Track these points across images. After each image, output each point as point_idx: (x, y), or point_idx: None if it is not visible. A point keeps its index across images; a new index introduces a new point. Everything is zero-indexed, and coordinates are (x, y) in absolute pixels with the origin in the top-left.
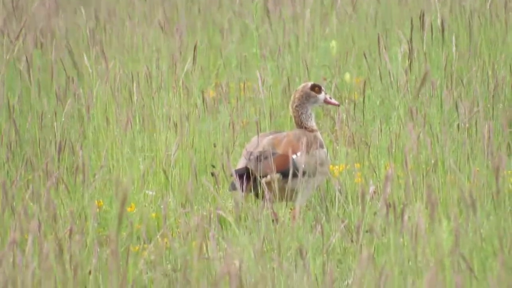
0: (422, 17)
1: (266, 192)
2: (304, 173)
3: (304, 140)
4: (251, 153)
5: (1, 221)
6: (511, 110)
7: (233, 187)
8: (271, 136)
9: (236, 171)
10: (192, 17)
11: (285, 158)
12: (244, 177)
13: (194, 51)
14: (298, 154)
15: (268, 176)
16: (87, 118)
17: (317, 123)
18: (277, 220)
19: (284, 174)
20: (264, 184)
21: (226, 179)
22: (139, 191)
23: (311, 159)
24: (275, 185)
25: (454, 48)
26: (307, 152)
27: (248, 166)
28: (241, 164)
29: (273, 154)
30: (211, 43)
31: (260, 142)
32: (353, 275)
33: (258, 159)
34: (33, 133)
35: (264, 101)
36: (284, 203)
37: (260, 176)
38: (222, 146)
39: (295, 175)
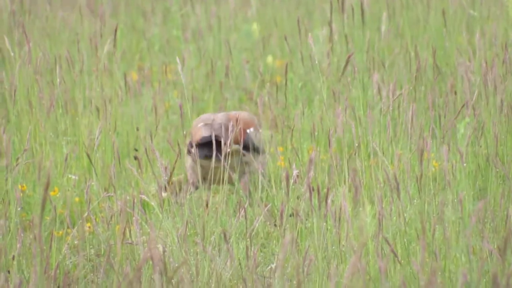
0: None
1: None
2: (257, 148)
3: (254, 118)
4: (212, 124)
5: None
6: (434, 93)
7: (204, 155)
8: (223, 113)
9: (204, 138)
10: (115, 0)
11: (243, 131)
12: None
13: (115, 33)
14: (252, 129)
15: (234, 146)
16: (10, 101)
17: (240, 107)
18: (207, 205)
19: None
20: (221, 156)
21: (150, 163)
22: (62, 175)
23: (260, 136)
24: (236, 157)
25: (383, 28)
26: (257, 130)
27: (217, 134)
28: (204, 133)
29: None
30: (134, 26)
31: (214, 117)
32: (277, 259)
33: (223, 129)
34: None
35: (186, 84)
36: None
37: (228, 144)
38: (145, 130)
39: (248, 150)
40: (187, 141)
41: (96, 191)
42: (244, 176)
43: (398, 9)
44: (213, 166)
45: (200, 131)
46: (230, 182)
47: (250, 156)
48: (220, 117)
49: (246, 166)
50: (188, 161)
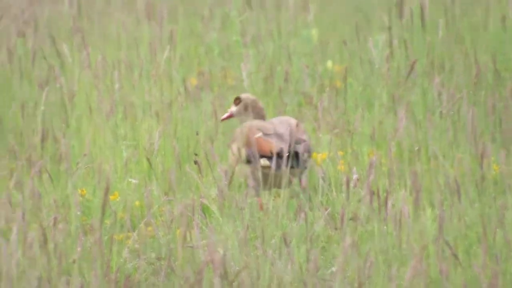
0: (401, 4)
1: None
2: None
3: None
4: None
5: None
6: (494, 97)
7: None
8: (275, 119)
9: (282, 149)
10: (173, 5)
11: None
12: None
13: (171, 37)
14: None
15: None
16: (69, 106)
17: (300, 111)
18: (261, 207)
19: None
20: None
21: (210, 167)
22: (122, 179)
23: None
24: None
25: (440, 33)
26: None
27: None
28: (278, 144)
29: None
30: (192, 31)
31: (271, 125)
32: (337, 262)
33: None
34: (15, 122)
35: (246, 89)
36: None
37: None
38: (205, 134)
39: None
40: (235, 147)
41: (156, 195)
42: (302, 179)
43: (457, 15)
44: (273, 175)
45: (269, 142)
46: (290, 185)
47: (309, 161)
48: (277, 125)
49: (305, 170)
50: (246, 168)
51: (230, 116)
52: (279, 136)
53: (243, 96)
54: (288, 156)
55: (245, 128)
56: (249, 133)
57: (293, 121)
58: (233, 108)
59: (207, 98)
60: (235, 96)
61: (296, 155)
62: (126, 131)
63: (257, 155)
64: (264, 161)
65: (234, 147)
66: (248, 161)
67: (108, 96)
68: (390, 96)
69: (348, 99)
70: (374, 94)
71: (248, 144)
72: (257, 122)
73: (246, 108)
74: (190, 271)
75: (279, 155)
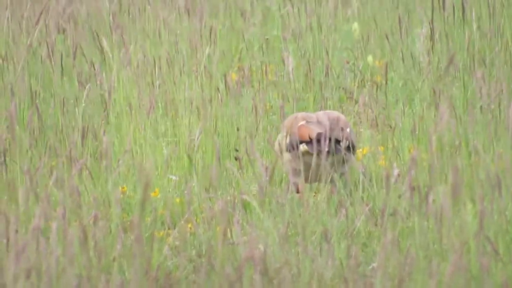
0: None
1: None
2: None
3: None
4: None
5: (25, 208)
6: None
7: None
8: (320, 112)
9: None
10: (214, 1)
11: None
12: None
13: (211, 33)
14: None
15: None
16: (109, 103)
17: (341, 106)
18: (298, 191)
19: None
20: (342, 150)
21: (250, 163)
22: (162, 176)
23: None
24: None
25: (474, 26)
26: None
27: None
28: (317, 129)
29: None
30: (233, 27)
31: (315, 115)
32: (378, 258)
33: (336, 126)
34: (56, 119)
35: (287, 84)
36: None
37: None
38: (245, 130)
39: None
40: (282, 140)
41: (196, 191)
42: (345, 174)
43: (498, 8)
44: (314, 164)
45: (309, 129)
46: (331, 180)
47: (350, 155)
48: (322, 116)
49: (346, 164)
50: (288, 159)
51: None
52: (320, 123)
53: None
54: (327, 142)
55: (290, 118)
56: (293, 122)
57: (339, 115)
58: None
59: (248, 94)
60: (275, 91)
61: (336, 141)
62: (166, 128)
63: (298, 141)
64: (303, 147)
65: (279, 137)
66: (290, 149)
67: (149, 93)
68: (431, 91)
69: (388, 94)
70: (415, 89)
71: (291, 133)
72: (302, 113)
73: None
74: (231, 268)
75: (318, 140)
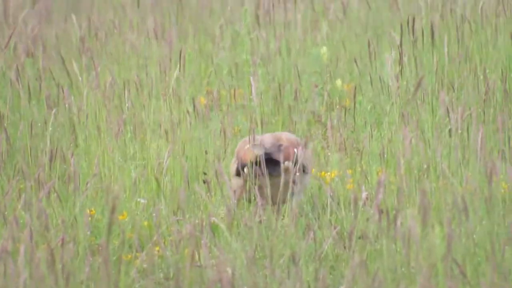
0: (412, 22)
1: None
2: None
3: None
4: (262, 144)
5: None
6: (503, 115)
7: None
8: (267, 134)
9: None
10: (184, 25)
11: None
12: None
13: (180, 57)
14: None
15: (286, 163)
16: (78, 126)
17: (309, 130)
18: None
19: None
20: (281, 171)
21: (219, 186)
22: (130, 199)
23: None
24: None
25: (445, 50)
26: (302, 149)
27: (269, 152)
28: (258, 152)
29: (280, 145)
30: (202, 50)
31: (261, 138)
32: (346, 281)
33: (276, 148)
34: (24, 142)
35: (256, 108)
36: (274, 207)
37: (283, 162)
38: (214, 154)
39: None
40: (234, 165)
41: (164, 214)
42: (297, 195)
43: (467, 33)
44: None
45: (251, 151)
46: (283, 201)
47: (302, 175)
48: (267, 138)
49: (295, 186)
50: (237, 182)
51: None
52: (260, 145)
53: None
54: (260, 163)
55: (241, 143)
56: (241, 146)
57: (289, 136)
58: None
59: (216, 117)
60: (243, 115)
61: (275, 162)
62: (135, 151)
63: (241, 165)
64: (246, 170)
65: (231, 163)
66: (237, 174)
67: (117, 116)
68: (400, 114)
69: (357, 117)
70: (383, 112)
71: (238, 157)
72: (246, 139)
73: None
74: None
75: (260, 163)
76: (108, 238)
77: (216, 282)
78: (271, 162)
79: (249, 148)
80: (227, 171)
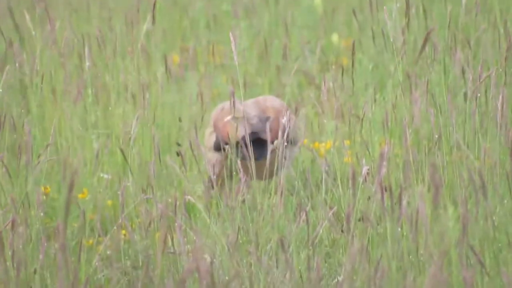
0: None
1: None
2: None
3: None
4: (248, 118)
5: None
6: None
7: (244, 157)
8: (250, 101)
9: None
10: None
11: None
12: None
13: (151, 8)
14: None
15: (275, 142)
16: (31, 89)
17: (300, 94)
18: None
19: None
20: (269, 154)
21: (195, 159)
22: (92, 174)
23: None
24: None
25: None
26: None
27: (255, 131)
28: (241, 129)
29: (268, 118)
30: (175, 1)
31: (243, 107)
32: (344, 271)
33: (263, 123)
34: None
35: (238, 67)
36: (260, 183)
37: (272, 142)
38: (189, 121)
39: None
40: (209, 137)
41: (132, 192)
42: (285, 169)
43: None
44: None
45: (233, 128)
46: (270, 176)
47: (290, 147)
48: (250, 107)
49: (284, 160)
50: (216, 156)
51: None
52: (245, 120)
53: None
54: (248, 145)
55: (217, 110)
56: (219, 116)
57: (274, 103)
58: None
59: (192, 79)
60: (223, 76)
61: (261, 143)
62: (97, 118)
63: (223, 142)
64: (227, 149)
65: (207, 132)
66: (216, 149)
67: (77, 77)
68: (406, 75)
69: (356, 79)
70: (387, 73)
71: (217, 129)
72: (227, 103)
73: None
74: (172, 281)
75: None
76: (65, 220)
77: (192, 271)
78: (258, 142)
79: (231, 122)
80: (204, 142)
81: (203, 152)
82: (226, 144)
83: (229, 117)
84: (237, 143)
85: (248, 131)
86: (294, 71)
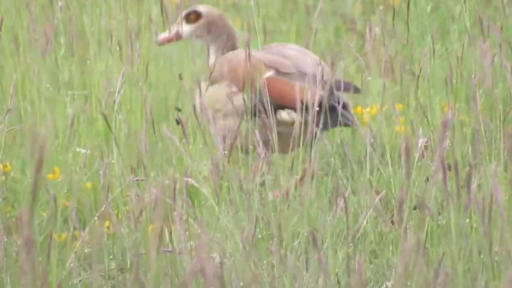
0: None
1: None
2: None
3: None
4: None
5: None
6: None
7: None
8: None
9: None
10: None
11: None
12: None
13: None
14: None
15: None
16: None
17: (337, 42)
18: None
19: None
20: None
21: (199, 128)
22: (65, 148)
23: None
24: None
25: None
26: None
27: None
28: (313, 91)
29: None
30: None
31: (290, 59)
32: (394, 274)
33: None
34: None
35: (255, 8)
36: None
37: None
38: (192, 79)
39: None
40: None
41: (118, 173)
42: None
43: None
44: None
45: (294, 87)
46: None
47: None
48: (293, 56)
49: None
50: (229, 123)
51: (175, 39)
52: (304, 76)
53: (204, 9)
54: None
55: (236, 60)
56: (244, 68)
57: (311, 53)
58: (185, 27)
59: None
60: (237, 19)
61: (343, 107)
62: (71, 75)
63: (273, 105)
64: (289, 115)
65: (221, 89)
66: (253, 114)
67: (45, 21)
68: (475, 19)
69: (411, 23)
70: (450, 16)
71: (250, 85)
72: (257, 52)
73: (209, 28)
74: (170, 287)
75: (318, 107)
76: (31, 208)
77: (196, 275)
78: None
79: (288, 81)
80: (211, 105)
81: (211, 119)
82: (282, 107)
83: (270, 73)
84: (306, 108)
85: (322, 93)
86: (329, 14)
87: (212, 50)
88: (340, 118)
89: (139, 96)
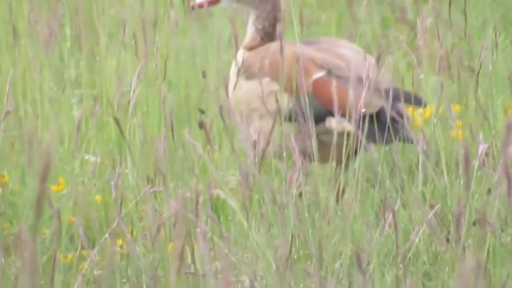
0: None
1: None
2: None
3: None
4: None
5: None
6: None
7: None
8: (354, 48)
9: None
10: None
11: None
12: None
13: None
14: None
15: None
16: None
17: (384, 35)
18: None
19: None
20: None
21: (226, 133)
22: (72, 155)
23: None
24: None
25: None
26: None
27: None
28: (378, 98)
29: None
30: None
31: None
32: None
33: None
34: None
35: None
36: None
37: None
38: (217, 76)
39: None
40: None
41: (132, 183)
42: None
43: None
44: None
45: (348, 93)
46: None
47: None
48: (347, 56)
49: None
50: (263, 125)
51: (213, 2)
52: (360, 82)
53: None
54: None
55: (275, 53)
56: (290, 66)
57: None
58: None
59: (221, 13)
60: None
61: (399, 117)
62: (79, 72)
63: (321, 110)
64: (340, 124)
65: (249, 86)
66: (297, 118)
67: (48, 11)
68: None
69: (470, 13)
70: None
71: (298, 89)
72: (302, 47)
73: None
74: None
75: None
76: (35, 225)
77: None
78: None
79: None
80: (246, 103)
81: (239, 123)
82: (330, 114)
83: (321, 73)
84: (363, 117)
85: (381, 103)
86: (376, 2)
87: (250, 20)
88: (401, 133)
89: (156, 97)
